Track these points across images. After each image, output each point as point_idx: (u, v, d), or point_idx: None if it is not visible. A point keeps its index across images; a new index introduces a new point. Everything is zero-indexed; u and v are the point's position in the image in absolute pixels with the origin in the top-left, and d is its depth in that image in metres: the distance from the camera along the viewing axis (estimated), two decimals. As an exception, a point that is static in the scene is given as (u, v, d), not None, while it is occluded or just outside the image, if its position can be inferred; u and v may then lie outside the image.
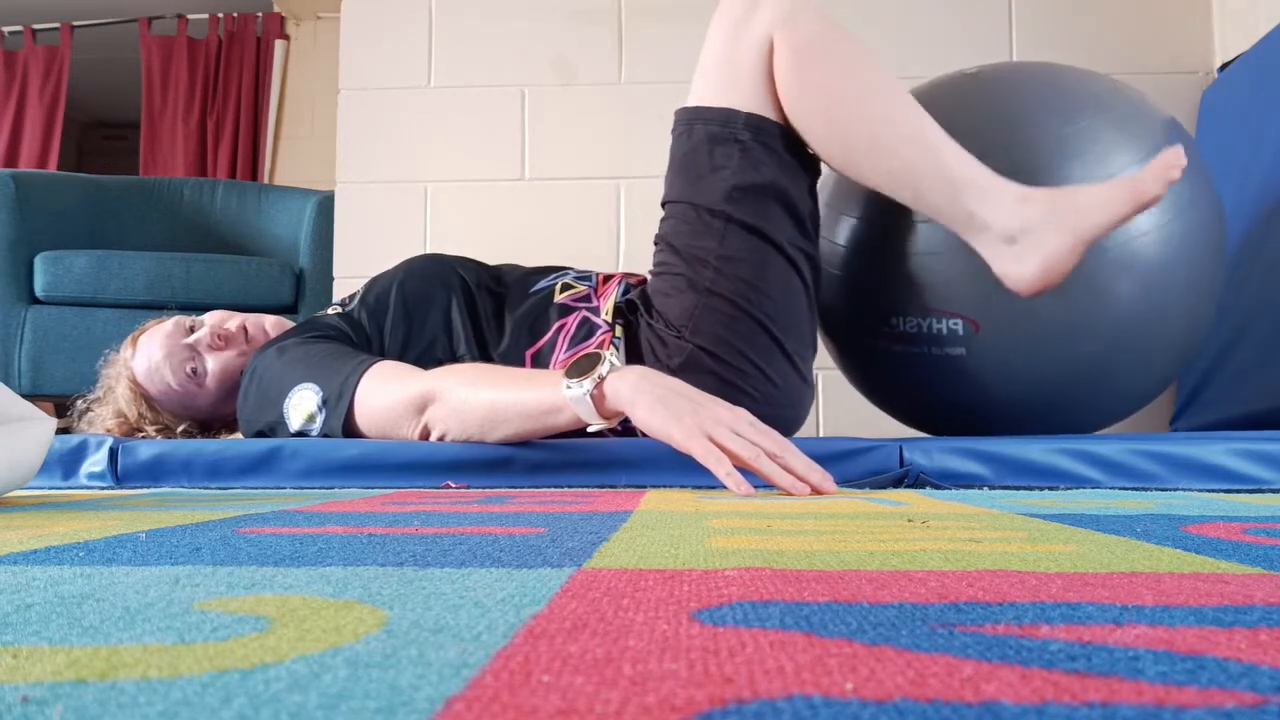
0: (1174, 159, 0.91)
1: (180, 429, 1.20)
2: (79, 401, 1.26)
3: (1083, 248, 0.93)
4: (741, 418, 0.85)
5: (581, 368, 0.89)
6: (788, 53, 1.01)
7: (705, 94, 1.07)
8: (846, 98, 1.00)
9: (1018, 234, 0.94)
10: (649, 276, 1.14)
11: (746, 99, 1.04)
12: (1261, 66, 1.56)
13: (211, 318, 1.23)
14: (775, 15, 1.02)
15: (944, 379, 1.11)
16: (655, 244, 1.12)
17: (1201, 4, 1.86)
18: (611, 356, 0.89)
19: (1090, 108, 1.05)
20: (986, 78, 1.14)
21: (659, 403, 0.84)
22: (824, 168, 1.12)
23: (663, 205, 1.12)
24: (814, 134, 1.03)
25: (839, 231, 1.17)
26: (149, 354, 1.19)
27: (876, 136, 0.99)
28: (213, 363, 1.18)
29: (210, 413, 1.21)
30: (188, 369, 1.18)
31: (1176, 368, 1.13)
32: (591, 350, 0.91)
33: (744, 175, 1.04)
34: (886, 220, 1.10)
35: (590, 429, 0.91)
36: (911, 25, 1.86)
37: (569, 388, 0.87)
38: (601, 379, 0.87)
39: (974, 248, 0.98)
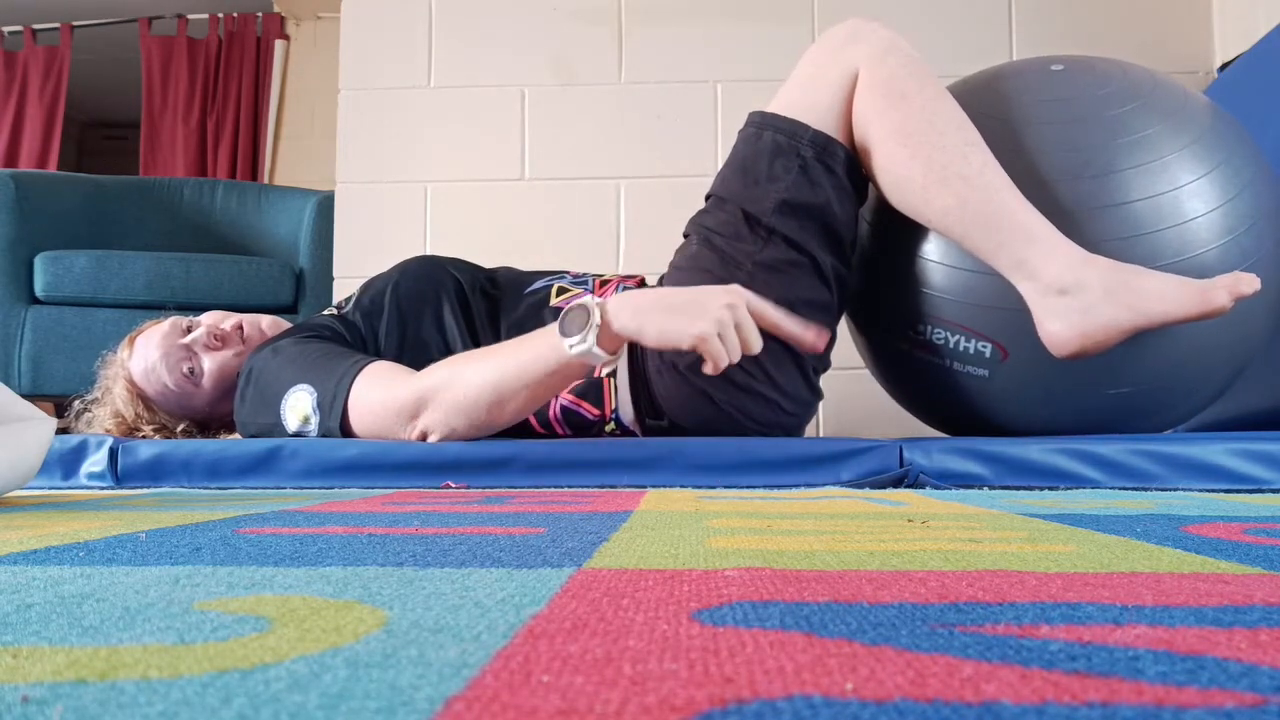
0: (1248, 282, 0.91)
1: (179, 429, 1.20)
2: (76, 402, 1.26)
3: (1130, 330, 0.93)
4: (738, 297, 0.90)
5: (575, 324, 0.91)
6: (867, 85, 1.04)
7: (782, 104, 1.09)
8: (910, 132, 1.01)
9: (1070, 288, 0.93)
10: (668, 268, 1.14)
11: (820, 118, 1.06)
12: (1261, 66, 1.56)
13: (208, 318, 1.22)
14: (868, 50, 1.05)
15: (961, 395, 1.10)
16: (685, 234, 1.13)
17: (1201, 4, 1.86)
18: (592, 299, 0.92)
19: (1133, 94, 1.04)
20: (1022, 70, 1.12)
21: (664, 318, 0.90)
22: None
23: (707, 197, 1.13)
24: (875, 165, 1.05)
25: (888, 227, 1.14)
26: (146, 354, 1.19)
27: (932, 173, 0.99)
28: (209, 362, 1.18)
29: (207, 413, 1.21)
30: (184, 369, 1.17)
31: (1215, 398, 1.11)
32: (574, 305, 0.93)
33: (797, 192, 1.05)
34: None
35: (604, 371, 0.96)
36: (911, 26, 1.86)
37: (572, 347, 0.91)
38: (600, 324, 0.90)
39: (1020, 293, 0.97)
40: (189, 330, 1.20)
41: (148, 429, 1.19)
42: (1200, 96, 1.10)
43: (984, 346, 1.04)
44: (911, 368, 1.14)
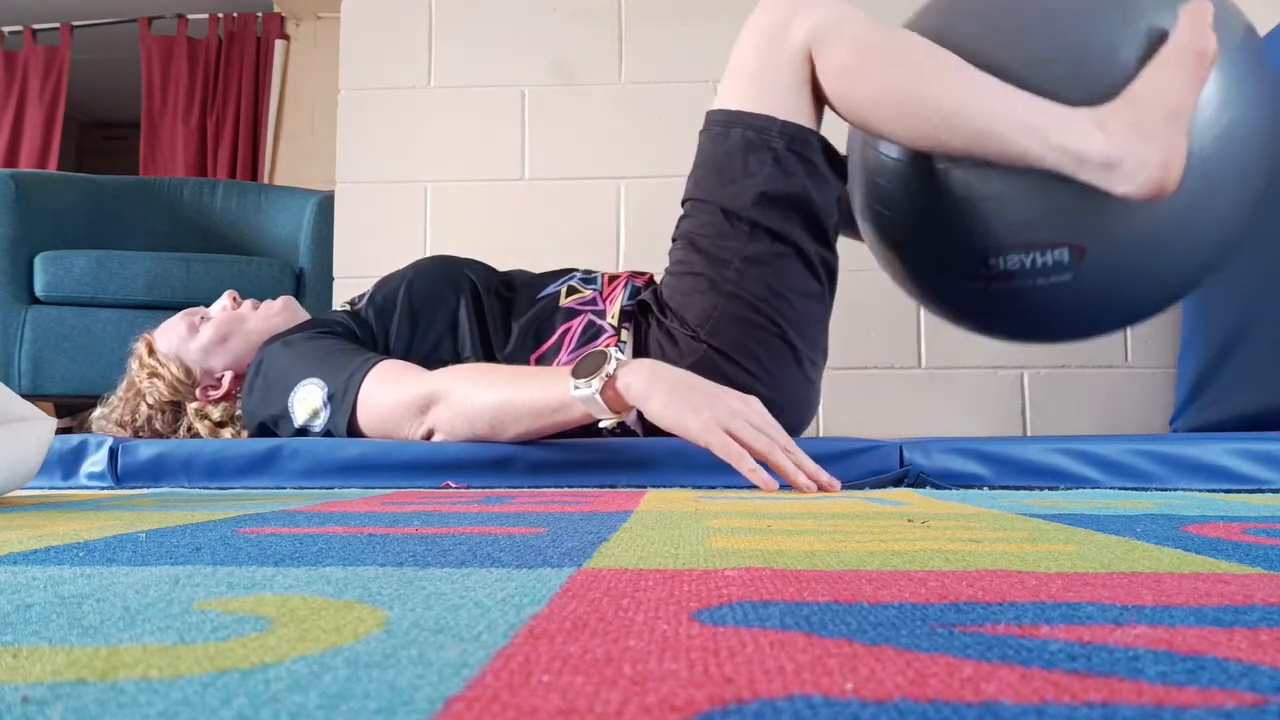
0: (1196, 10, 0.90)
1: (169, 373, 1.19)
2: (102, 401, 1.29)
3: (1183, 127, 0.91)
4: (754, 407, 0.86)
5: (588, 367, 0.89)
6: (835, 65, 1.02)
7: (742, 99, 1.07)
8: (908, 86, 0.99)
9: (1114, 155, 0.92)
10: (663, 273, 1.14)
11: (783, 107, 1.05)
12: (1261, 66, 1.55)
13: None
14: (814, 29, 1.03)
15: (1051, 306, 1.08)
16: (673, 241, 1.13)
17: (1201, 4, 1.86)
18: (616, 353, 0.90)
19: None
20: None
21: (672, 396, 0.85)
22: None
23: (683, 203, 1.12)
24: (885, 127, 1.03)
25: (925, 176, 1.11)
26: (170, 319, 1.27)
27: (948, 109, 0.97)
28: (215, 319, 1.23)
29: (198, 358, 1.21)
30: (195, 318, 1.24)
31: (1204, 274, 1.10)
32: (597, 349, 0.92)
33: (774, 184, 1.05)
34: (968, 164, 1.05)
35: (602, 424, 0.91)
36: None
37: (577, 388, 0.88)
38: (610, 377, 0.87)
39: (1085, 182, 0.95)
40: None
41: (144, 378, 1.20)
42: None
43: (1060, 254, 1.03)
44: (994, 303, 1.12)
